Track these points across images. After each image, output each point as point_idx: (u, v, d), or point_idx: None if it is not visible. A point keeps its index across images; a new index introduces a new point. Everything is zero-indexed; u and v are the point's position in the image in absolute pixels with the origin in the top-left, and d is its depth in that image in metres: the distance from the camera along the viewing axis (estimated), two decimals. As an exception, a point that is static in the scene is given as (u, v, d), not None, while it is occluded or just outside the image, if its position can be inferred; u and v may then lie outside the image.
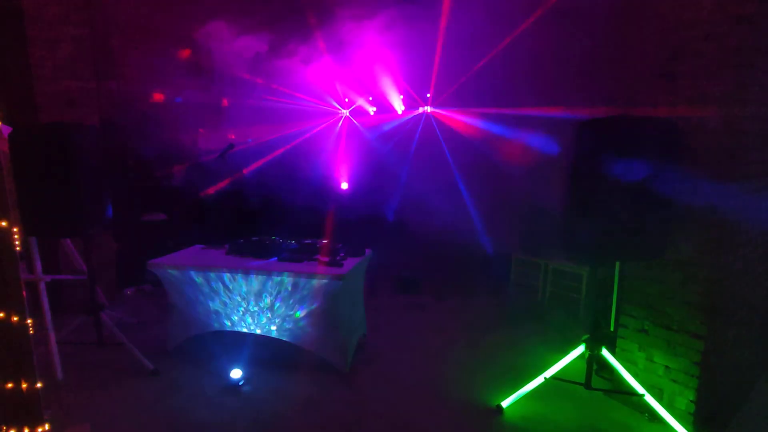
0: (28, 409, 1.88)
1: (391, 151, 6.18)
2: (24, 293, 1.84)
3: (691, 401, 2.65)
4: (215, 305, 3.48)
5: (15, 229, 1.79)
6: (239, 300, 3.43)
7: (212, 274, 3.37)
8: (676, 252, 2.61)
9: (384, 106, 5.93)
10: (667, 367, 2.75)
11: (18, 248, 1.82)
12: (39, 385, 1.92)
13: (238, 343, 3.72)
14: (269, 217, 5.93)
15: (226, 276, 3.35)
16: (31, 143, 2.78)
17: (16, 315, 1.79)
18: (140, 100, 5.21)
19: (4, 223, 1.73)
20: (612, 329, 3.11)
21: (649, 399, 2.73)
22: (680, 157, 2.48)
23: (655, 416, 2.74)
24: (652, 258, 2.56)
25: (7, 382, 1.84)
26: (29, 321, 1.86)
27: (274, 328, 3.41)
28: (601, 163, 2.29)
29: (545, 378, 2.87)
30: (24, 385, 1.85)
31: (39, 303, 3.30)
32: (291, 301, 3.32)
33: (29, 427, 1.91)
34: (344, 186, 6.18)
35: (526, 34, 4.77)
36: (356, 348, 3.60)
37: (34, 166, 2.77)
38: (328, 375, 3.29)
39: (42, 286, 3.26)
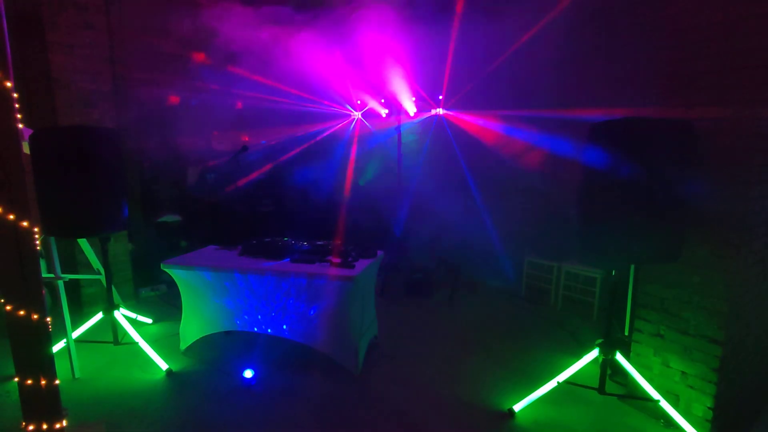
0: (46, 405, 1.92)
1: (403, 153, 6.19)
2: (43, 292, 1.88)
3: (708, 408, 2.60)
4: (228, 305, 3.52)
5: (35, 230, 1.83)
6: (251, 300, 3.45)
7: (225, 275, 3.41)
8: (692, 255, 2.56)
9: (396, 108, 5.93)
10: (683, 372, 2.70)
11: (37, 248, 1.87)
12: (57, 382, 1.96)
13: (250, 343, 3.75)
14: (281, 219, 5.98)
15: (239, 276, 3.39)
16: (50, 145, 2.85)
17: (36, 313, 1.84)
18: (156, 103, 5.30)
19: (25, 224, 1.77)
20: (626, 333, 3.07)
21: (665, 405, 2.69)
22: (697, 159, 2.44)
23: (671, 423, 2.69)
24: (667, 261, 2.51)
25: (26, 378, 1.88)
26: (48, 319, 1.90)
27: (286, 328, 3.43)
28: (615, 165, 2.26)
29: (558, 382, 2.84)
30: (43, 382, 1.89)
31: (57, 301, 3.37)
32: (303, 302, 3.34)
33: (47, 423, 1.95)
34: (356, 188, 6.19)
35: (541, 35, 4.74)
36: (367, 350, 3.61)
37: (53, 168, 2.83)
38: (340, 376, 3.30)
39: (60, 285, 3.32)
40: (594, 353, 2.76)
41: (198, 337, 3.66)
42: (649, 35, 4.00)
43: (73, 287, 4.44)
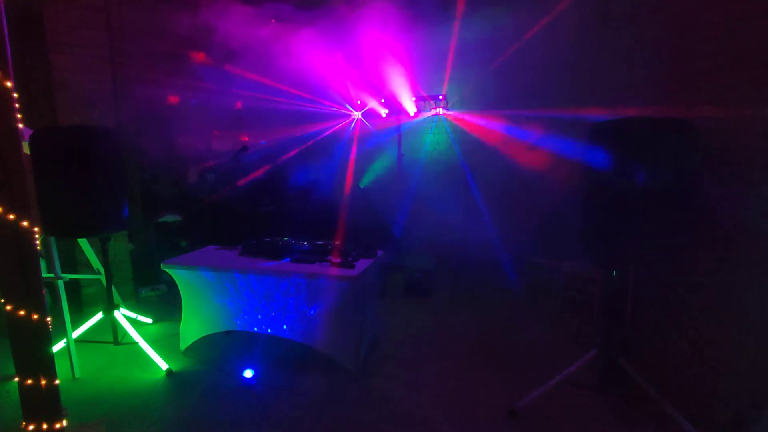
0: (46, 405, 1.92)
1: (403, 154, 6.19)
2: (43, 292, 1.88)
3: (708, 408, 2.60)
4: (228, 305, 3.52)
5: (35, 230, 1.83)
6: (251, 300, 3.46)
7: (225, 275, 3.41)
8: (693, 256, 2.56)
9: (396, 108, 5.93)
10: (683, 372, 2.70)
11: (38, 248, 1.87)
12: (57, 382, 1.96)
13: (250, 343, 3.75)
14: (281, 219, 5.97)
15: (239, 276, 3.38)
16: (50, 145, 2.85)
17: (36, 313, 1.84)
18: (156, 103, 5.30)
19: (25, 224, 1.77)
20: (626, 333, 3.07)
21: (664, 405, 2.69)
22: (699, 160, 2.44)
23: (668, 422, 2.69)
24: (665, 262, 2.52)
25: (26, 378, 1.88)
26: (48, 319, 1.90)
27: (286, 328, 3.43)
28: (616, 165, 2.27)
29: (558, 381, 2.84)
30: (43, 382, 1.89)
31: (57, 301, 3.37)
32: (303, 302, 3.34)
33: (47, 423, 1.95)
34: (356, 188, 6.19)
35: (541, 35, 4.74)
36: (368, 349, 3.61)
37: (53, 168, 2.83)
38: (340, 376, 3.30)
39: (60, 285, 3.32)
40: (593, 353, 2.76)
41: (198, 337, 3.66)
42: (649, 35, 4.00)
43: (73, 287, 4.44)
